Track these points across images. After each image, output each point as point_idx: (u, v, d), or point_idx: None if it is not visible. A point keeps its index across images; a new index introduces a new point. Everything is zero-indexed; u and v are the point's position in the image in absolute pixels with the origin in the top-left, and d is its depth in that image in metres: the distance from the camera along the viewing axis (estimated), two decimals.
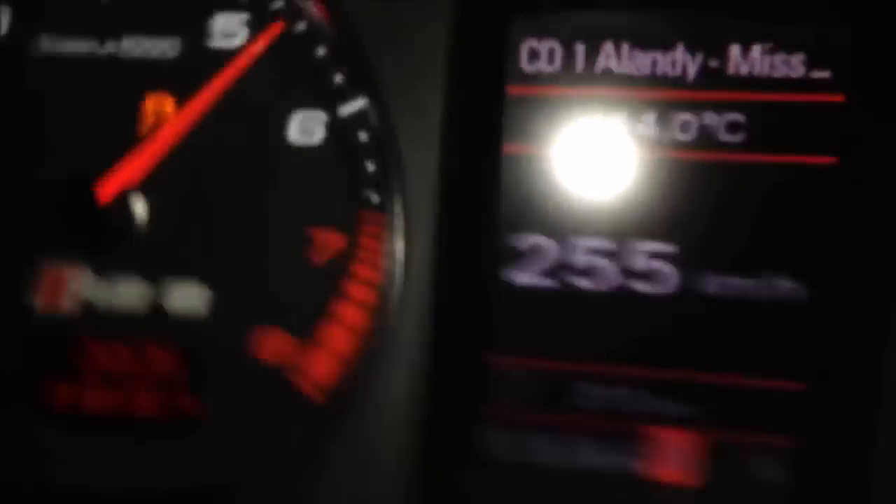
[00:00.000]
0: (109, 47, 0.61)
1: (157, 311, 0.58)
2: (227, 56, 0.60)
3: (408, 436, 0.51)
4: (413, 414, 0.52)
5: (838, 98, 0.54)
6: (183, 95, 0.60)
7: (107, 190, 0.59)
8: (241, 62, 0.60)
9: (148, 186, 0.59)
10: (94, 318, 0.59)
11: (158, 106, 0.61)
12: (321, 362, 0.56)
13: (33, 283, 0.59)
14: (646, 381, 0.55)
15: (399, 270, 0.54)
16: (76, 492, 0.57)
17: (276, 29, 0.60)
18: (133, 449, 0.57)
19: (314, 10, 0.59)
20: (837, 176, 0.53)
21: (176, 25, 0.61)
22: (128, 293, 0.59)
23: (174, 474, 0.56)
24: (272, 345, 0.57)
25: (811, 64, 0.54)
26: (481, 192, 0.56)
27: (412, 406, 0.52)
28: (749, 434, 0.54)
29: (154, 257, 0.59)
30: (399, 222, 0.55)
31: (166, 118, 0.60)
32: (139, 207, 0.59)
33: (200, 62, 0.60)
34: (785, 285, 0.54)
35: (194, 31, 0.61)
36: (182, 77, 0.60)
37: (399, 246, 0.55)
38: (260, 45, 0.60)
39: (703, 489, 0.54)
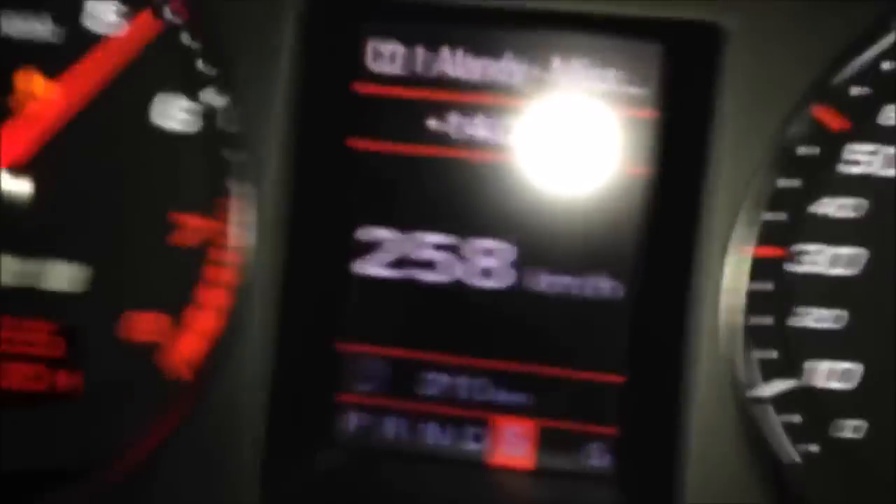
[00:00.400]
0: None
1: (34, 289, 0.63)
2: (98, 38, 0.63)
3: (262, 417, 0.55)
4: (267, 396, 0.56)
5: (650, 114, 0.59)
6: (54, 74, 0.63)
7: None
8: (118, 48, 0.62)
9: (23, 165, 0.63)
10: None
11: (28, 83, 0.64)
12: (187, 342, 0.61)
13: None
14: (483, 371, 0.61)
15: (253, 257, 0.58)
16: None
17: (146, 17, 0.63)
18: (7, 423, 0.61)
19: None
20: (649, 186, 0.59)
21: (50, 5, 0.63)
22: (6, 270, 0.63)
23: (46, 449, 0.61)
24: (144, 325, 0.62)
25: (626, 80, 0.59)
26: (327, 184, 0.61)
27: (267, 388, 0.56)
28: (575, 422, 0.61)
29: (33, 236, 0.62)
30: (253, 210, 0.59)
31: (35, 95, 0.63)
32: (12, 184, 0.63)
33: (74, 42, 0.62)
34: (605, 284, 0.60)
35: (68, 13, 0.63)
36: (54, 56, 0.63)
37: (253, 233, 0.59)
38: (137, 32, 0.62)
39: (534, 472, 0.61)
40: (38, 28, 0.63)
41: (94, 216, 0.62)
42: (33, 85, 0.63)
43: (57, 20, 0.63)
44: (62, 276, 0.63)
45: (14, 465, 0.60)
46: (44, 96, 0.63)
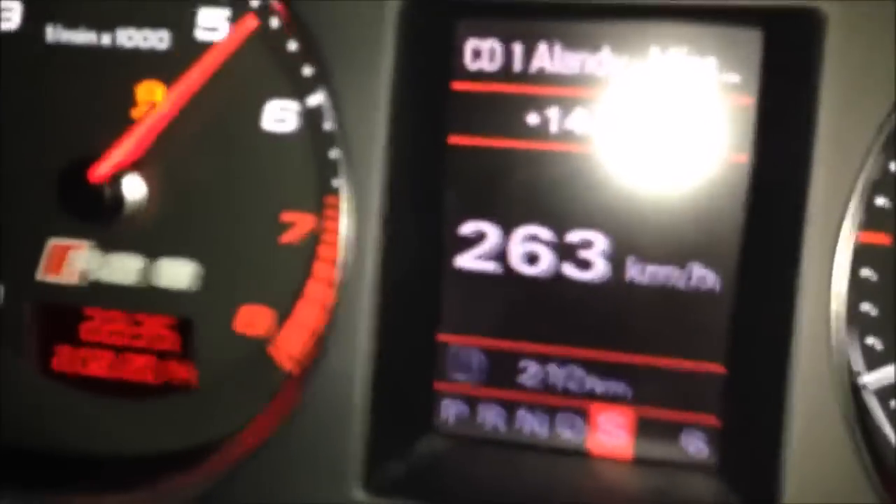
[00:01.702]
0: (106, 39, 0.67)
1: (150, 285, 0.66)
2: (208, 45, 0.66)
3: (365, 406, 0.57)
4: (368, 385, 0.57)
5: (748, 101, 0.59)
6: (172, 83, 0.67)
7: (101, 170, 0.65)
8: (220, 52, 0.65)
9: (142, 170, 0.66)
10: (94, 290, 0.67)
11: (150, 93, 0.67)
12: (294, 336, 0.64)
13: (40, 257, 0.67)
14: (580, 360, 0.61)
15: (354, 252, 0.59)
16: (76, 455, 0.65)
17: (251, 23, 0.65)
18: (128, 411, 0.66)
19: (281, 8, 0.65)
20: (749, 173, 0.59)
21: (165, 19, 0.67)
22: (124, 267, 0.67)
23: (166, 436, 0.64)
24: (254, 319, 0.65)
25: (725, 68, 0.59)
26: (428, 180, 0.62)
27: (369, 378, 0.57)
28: (675, 412, 0.60)
29: (149, 236, 0.66)
30: (356, 207, 0.61)
31: (156, 105, 0.67)
32: (131, 187, 0.66)
33: (187, 53, 0.66)
34: (704, 274, 0.60)
35: (181, 24, 0.66)
36: (171, 66, 0.66)
37: (354, 229, 0.61)
38: (237, 37, 0.65)
39: (632, 461, 0.61)
40: (156, 40, 0.67)
41: (209, 216, 0.66)
42: (154, 95, 0.67)
43: (173, 31, 0.66)
44: (178, 273, 0.66)
45: (131, 450, 0.64)
46: (160, 104, 0.66)
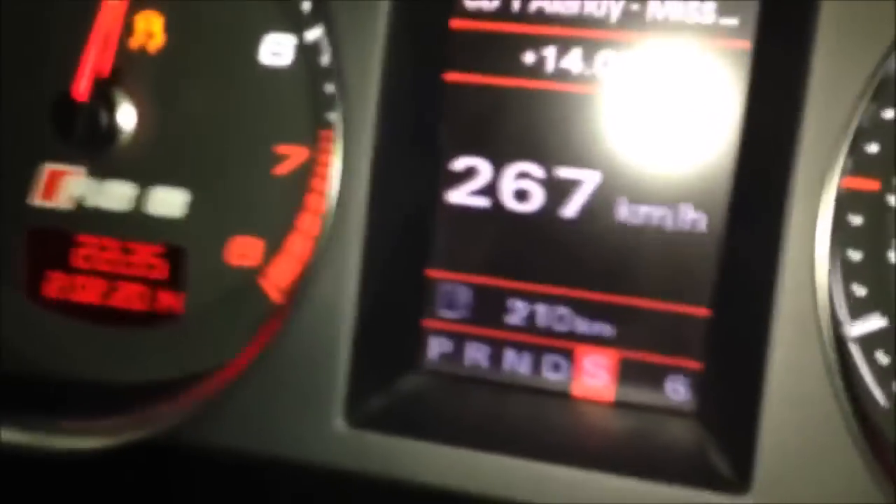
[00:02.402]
0: None
1: (142, 212, 0.66)
2: None
3: (350, 339, 0.57)
4: (354, 317, 0.57)
5: (745, 44, 0.58)
6: (171, 14, 0.67)
7: (79, 82, 0.65)
8: None
9: (136, 98, 0.66)
10: (86, 217, 0.67)
11: (148, 24, 0.67)
12: (283, 266, 0.64)
13: (34, 182, 0.68)
14: (567, 299, 0.61)
15: (346, 186, 0.59)
16: (64, 380, 0.66)
17: None
18: (116, 339, 0.66)
19: None
20: (742, 117, 0.58)
21: None
22: (117, 193, 0.67)
23: (152, 365, 0.65)
24: (244, 249, 0.65)
25: (723, 11, 0.58)
26: (421, 116, 0.62)
27: (354, 312, 0.57)
28: (658, 355, 0.60)
29: (142, 164, 0.66)
30: (348, 140, 0.61)
31: (154, 35, 0.67)
32: (124, 114, 0.66)
33: None
34: (692, 215, 0.60)
35: None
36: None
37: (347, 163, 0.61)
38: None
39: (614, 404, 0.61)
40: None
41: (202, 146, 0.66)
42: (152, 25, 0.67)
43: None
44: (170, 201, 0.66)
45: (118, 378, 0.65)
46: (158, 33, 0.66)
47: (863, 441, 0.51)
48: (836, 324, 0.53)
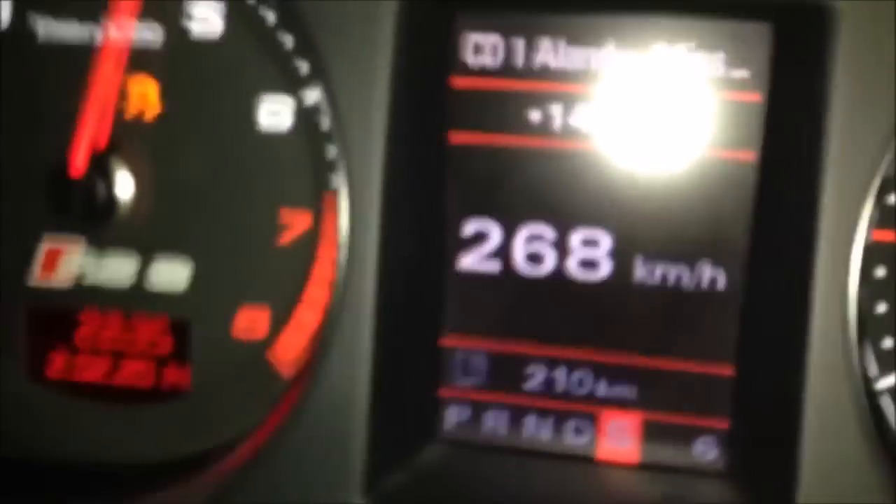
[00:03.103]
0: (97, 34, 0.65)
1: (144, 285, 0.65)
2: (201, 41, 0.64)
3: (366, 412, 0.55)
4: (369, 391, 0.56)
5: (756, 97, 0.57)
6: (165, 79, 0.65)
7: (77, 156, 0.63)
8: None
9: (135, 167, 0.65)
10: (88, 293, 0.65)
11: (142, 87, 0.66)
12: (293, 339, 0.62)
13: (33, 257, 0.66)
14: (586, 363, 0.60)
15: (353, 253, 0.57)
16: (71, 464, 0.63)
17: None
18: (123, 418, 0.64)
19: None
20: (756, 170, 0.57)
21: (157, 13, 0.65)
22: (118, 267, 0.65)
23: (160, 443, 0.63)
24: (251, 321, 0.63)
25: (732, 63, 0.57)
26: (427, 178, 0.61)
27: (369, 383, 0.56)
28: (684, 415, 0.59)
29: (142, 235, 0.65)
30: (353, 205, 0.59)
31: (148, 100, 0.66)
32: (122, 184, 0.65)
33: (181, 49, 0.64)
34: (711, 273, 0.58)
35: (174, 18, 0.65)
36: (164, 62, 0.65)
37: (353, 229, 0.59)
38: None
39: (640, 467, 0.59)
40: (149, 35, 0.65)
41: (203, 214, 0.64)
42: (147, 91, 0.65)
43: (164, 26, 0.65)
44: (173, 273, 0.64)
45: (126, 459, 0.62)
46: (154, 99, 0.65)
47: None
48: (868, 381, 0.52)
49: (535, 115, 0.60)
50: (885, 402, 0.53)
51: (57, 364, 0.66)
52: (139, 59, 0.65)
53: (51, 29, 0.66)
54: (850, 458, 0.51)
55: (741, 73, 0.57)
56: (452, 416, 0.62)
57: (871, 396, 0.52)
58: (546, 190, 0.60)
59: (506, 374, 0.61)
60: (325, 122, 0.61)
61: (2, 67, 0.67)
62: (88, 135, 0.64)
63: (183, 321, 0.64)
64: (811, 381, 0.51)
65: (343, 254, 0.57)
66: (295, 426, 0.56)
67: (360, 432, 0.55)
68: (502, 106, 0.60)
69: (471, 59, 0.61)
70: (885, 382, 0.53)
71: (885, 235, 0.53)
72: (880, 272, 0.53)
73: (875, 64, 0.51)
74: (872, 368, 0.53)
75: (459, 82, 0.61)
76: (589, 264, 0.60)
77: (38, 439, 0.65)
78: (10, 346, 0.67)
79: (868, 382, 0.52)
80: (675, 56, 0.58)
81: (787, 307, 0.53)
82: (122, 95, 0.65)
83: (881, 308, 0.53)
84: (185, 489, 0.57)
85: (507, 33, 0.60)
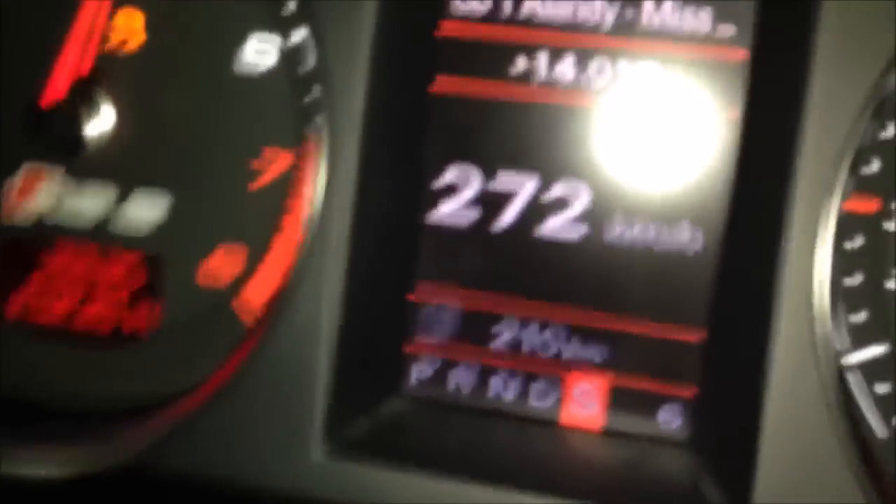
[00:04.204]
0: None
1: (120, 218, 0.64)
2: None
3: (330, 362, 0.55)
4: (334, 338, 0.55)
5: (742, 54, 0.56)
6: (152, 11, 0.65)
7: (55, 82, 0.62)
8: None
9: (115, 99, 0.64)
10: (63, 220, 0.64)
11: (130, 20, 0.65)
12: (262, 281, 0.62)
13: (11, 182, 0.65)
14: (555, 323, 0.59)
15: (326, 197, 0.56)
16: (26, 403, 0.63)
17: None
18: (84, 359, 0.64)
19: None
20: (737, 130, 0.56)
21: None
22: (94, 197, 0.65)
23: (117, 387, 0.62)
24: (224, 259, 0.63)
25: (719, 20, 0.56)
26: (408, 125, 0.60)
27: (335, 333, 0.55)
28: (650, 381, 0.58)
29: (121, 167, 0.64)
30: (332, 147, 0.58)
31: (136, 32, 0.65)
32: (102, 109, 0.64)
33: None
34: (687, 234, 0.57)
35: None
36: None
37: (330, 172, 0.59)
38: None
39: (604, 433, 0.59)
40: None
41: (183, 149, 0.63)
42: (133, 23, 0.65)
43: None
44: (148, 208, 0.64)
45: (84, 400, 0.62)
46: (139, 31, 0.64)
47: (862, 472, 0.49)
48: (835, 352, 0.51)
49: (519, 65, 0.59)
50: (854, 377, 0.52)
51: (20, 301, 0.66)
52: None
53: None
54: (812, 431, 0.50)
55: (728, 31, 0.56)
56: (418, 372, 0.61)
57: (839, 370, 0.51)
58: (526, 141, 0.59)
59: (474, 330, 0.60)
60: (310, 63, 0.60)
61: None
62: (71, 62, 0.63)
63: (158, 257, 0.64)
64: (777, 352, 0.50)
65: (319, 195, 0.57)
66: (255, 371, 0.55)
67: (322, 380, 0.54)
68: (488, 54, 0.59)
69: (458, 5, 0.59)
70: (856, 356, 0.52)
71: (862, 206, 0.51)
72: (856, 243, 0.52)
73: (857, 28, 0.50)
74: (843, 341, 0.52)
75: (446, 27, 0.60)
76: (566, 219, 0.59)
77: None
78: None
79: (836, 355, 0.51)
80: (663, 10, 0.57)
81: (758, 274, 0.52)
82: (108, 27, 0.64)
83: (855, 280, 0.52)
84: (140, 432, 0.57)
85: None
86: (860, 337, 0.52)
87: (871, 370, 0.52)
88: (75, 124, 0.63)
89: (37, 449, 0.57)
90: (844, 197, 0.50)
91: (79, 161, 0.64)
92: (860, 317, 0.52)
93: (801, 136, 0.50)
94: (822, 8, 0.50)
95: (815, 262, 0.49)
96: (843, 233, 0.51)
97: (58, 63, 0.63)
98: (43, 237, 0.65)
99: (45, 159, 0.65)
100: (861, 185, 0.52)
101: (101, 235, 0.64)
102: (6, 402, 0.63)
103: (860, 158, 0.51)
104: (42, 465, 0.57)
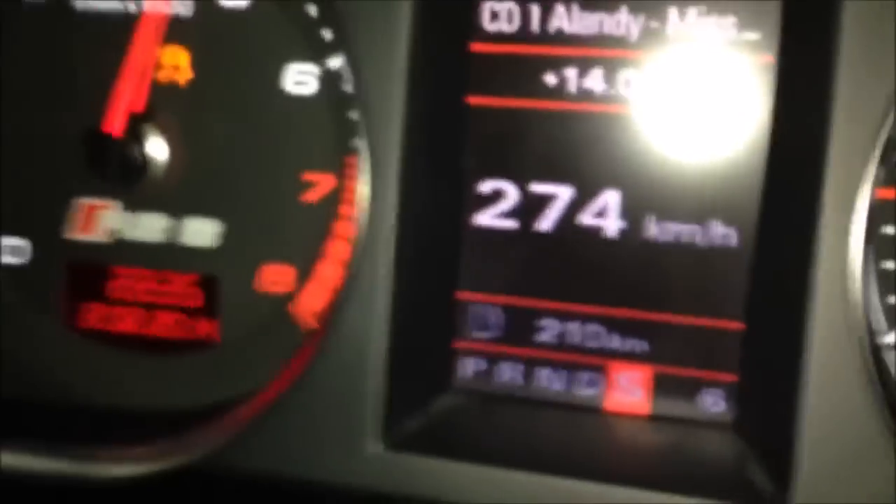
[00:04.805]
0: (132, 6, 0.68)
1: (175, 243, 0.67)
2: (234, 14, 0.67)
3: (383, 364, 0.57)
4: (386, 341, 0.57)
5: (768, 59, 0.58)
6: (196, 49, 0.68)
7: (112, 118, 0.66)
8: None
9: (166, 132, 0.68)
10: (121, 249, 0.68)
11: (175, 58, 0.68)
12: (314, 293, 0.65)
13: (70, 216, 0.69)
14: (598, 317, 0.61)
15: (373, 211, 0.59)
16: (101, 410, 0.67)
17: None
18: (152, 367, 0.67)
19: None
20: (767, 131, 0.58)
21: None
22: (150, 225, 0.68)
23: (188, 392, 0.66)
24: (275, 277, 0.66)
25: (744, 26, 0.58)
26: (445, 140, 0.63)
27: (387, 336, 0.57)
28: (692, 369, 0.60)
29: (174, 196, 0.67)
30: (374, 167, 0.61)
31: (180, 69, 0.68)
32: (155, 147, 0.67)
33: (211, 19, 0.67)
34: (723, 231, 0.60)
35: None
36: (195, 32, 0.67)
37: (373, 189, 0.61)
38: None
39: (649, 418, 0.61)
40: (181, 6, 0.67)
41: (231, 176, 0.67)
42: (179, 60, 0.68)
43: None
44: (202, 231, 0.67)
45: (153, 406, 0.65)
46: (185, 67, 0.67)
47: None
48: (871, 333, 0.52)
49: (550, 79, 0.61)
50: (889, 357, 0.53)
51: (93, 315, 0.69)
52: (172, 30, 0.67)
53: (88, 3, 0.69)
54: (852, 412, 0.51)
55: (753, 35, 0.58)
56: (467, 367, 0.64)
57: (876, 351, 0.53)
58: (561, 151, 0.61)
59: (519, 327, 0.63)
60: (348, 88, 0.63)
61: (42, 37, 0.69)
62: (126, 99, 0.66)
63: (212, 277, 0.66)
64: (815, 336, 0.52)
65: (363, 212, 0.59)
66: (314, 373, 0.57)
67: (377, 381, 0.57)
68: (519, 70, 0.62)
69: (488, 25, 0.62)
70: (890, 337, 0.53)
71: (893, 194, 0.53)
72: (888, 230, 0.54)
73: (881, 25, 0.52)
74: (878, 323, 0.54)
75: (477, 48, 0.62)
76: (601, 223, 0.61)
77: (72, 385, 0.68)
78: (49, 300, 0.70)
79: (873, 337, 0.52)
80: (688, 19, 0.59)
81: (794, 264, 0.54)
82: (156, 64, 0.68)
83: (889, 265, 0.54)
84: (206, 435, 0.59)
85: (522, 0, 0.61)
86: (895, 319, 0.54)
87: None
88: (132, 158, 0.66)
89: (107, 451, 0.60)
90: (876, 185, 0.52)
91: (134, 193, 0.68)
92: (895, 299, 0.54)
93: (830, 129, 0.52)
94: (845, 8, 0.52)
95: (849, 249, 0.51)
96: (875, 220, 0.53)
97: (114, 97, 0.66)
98: (104, 266, 0.68)
99: (102, 193, 0.68)
100: (892, 174, 0.53)
101: (158, 261, 0.68)
102: (78, 408, 0.66)
103: (890, 148, 0.53)
104: (112, 467, 0.59)
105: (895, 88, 0.51)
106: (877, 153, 0.52)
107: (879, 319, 0.54)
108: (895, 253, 0.54)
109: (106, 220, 0.69)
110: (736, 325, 0.59)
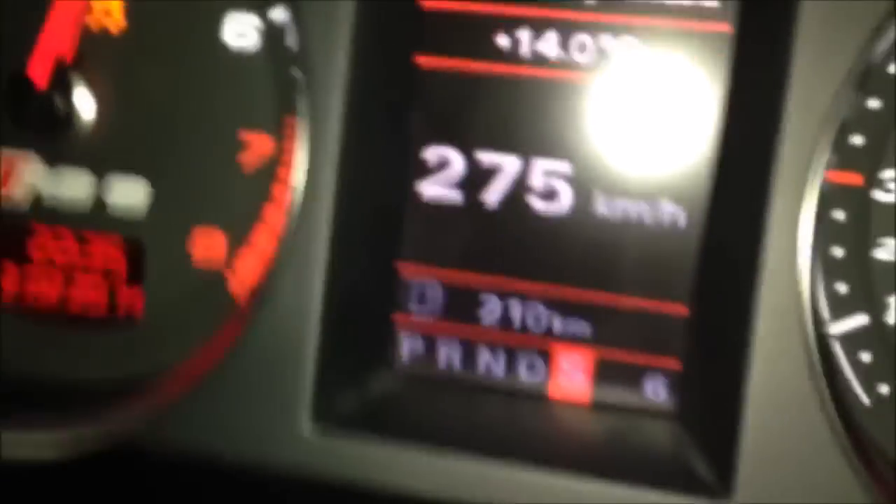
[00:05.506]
0: None
1: (100, 204, 0.64)
2: None
3: (317, 338, 0.55)
4: (321, 315, 0.55)
5: (726, 28, 0.56)
6: None
7: (37, 64, 0.62)
8: None
9: (94, 84, 0.64)
10: (42, 206, 0.64)
11: (107, 4, 0.65)
12: (248, 262, 0.62)
13: None
14: (542, 297, 0.60)
15: (311, 177, 0.57)
16: (16, 381, 0.63)
17: None
18: (72, 338, 0.64)
19: None
20: (720, 104, 0.56)
21: None
22: (74, 183, 0.64)
23: (108, 365, 0.62)
24: (207, 243, 0.63)
25: None
26: (391, 102, 0.60)
27: (322, 309, 0.55)
28: (636, 354, 0.59)
29: (100, 152, 0.64)
30: (314, 129, 0.58)
31: (112, 15, 0.64)
32: (81, 99, 0.64)
33: None
34: (671, 210, 0.58)
35: None
36: None
37: (313, 152, 0.59)
38: None
39: (591, 406, 0.59)
40: None
41: (162, 133, 0.63)
42: (111, 5, 0.64)
43: None
44: (128, 193, 0.64)
45: (73, 378, 0.62)
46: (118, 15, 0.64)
47: (846, 442, 0.50)
48: (818, 322, 0.51)
49: (502, 41, 0.59)
50: (836, 348, 0.52)
51: (8, 279, 0.66)
52: None
53: None
54: (796, 402, 0.50)
55: (712, 4, 0.56)
56: (406, 348, 0.61)
57: (822, 340, 0.51)
58: (510, 119, 0.59)
59: (461, 306, 0.60)
60: (291, 43, 0.60)
61: None
62: (52, 47, 0.63)
63: (138, 242, 0.63)
64: (761, 323, 0.50)
65: (301, 177, 0.57)
66: (244, 348, 0.55)
67: (311, 356, 0.55)
68: (471, 30, 0.59)
69: None
70: (837, 327, 0.52)
71: (846, 178, 0.52)
72: (839, 215, 0.52)
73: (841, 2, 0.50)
74: (825, 312, 0.52)
75: (429, 4, 0.60)
76: (549, 197, 0.59)
77: None
78: None
79: (819, 326, 0.51)
80: None
81: (742, 248, 0.52)
82: (87, 11, 0.64)
83: (837, 252, 0.52)
84: (130, 410, 0.57)
85: None
86: (844, 307, 0.52)
87: (855, 339, 0.52)
88: (57, 109, 0.63)
89: (32, 431, 0.57)
90: (828, 168, 0.51)
91: (57, 147, 0.64)
92: (843, 287, 0.52)
93: (784, 107, 0.50)
94: None
95: (799, 233, 0.50)
96: (826, 204, 0.51)
97: (39, 47, 0.62)
98: (22, 225, 0.65)
99: (23, 146, 0.65)
100: (846, 157, 0.52)
101: (81, 221, 0.64)
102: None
103: (845, 130, 0.51)
104: (37, 447, 0.57)
105: (850, 69, 0.49)
106: (831, 134, 0.50)
107: (825, 308, 0.52)
108: (843, 239, 0.52)
109: (26, 175, 0.65)
110: (681, 310, 0.58)
